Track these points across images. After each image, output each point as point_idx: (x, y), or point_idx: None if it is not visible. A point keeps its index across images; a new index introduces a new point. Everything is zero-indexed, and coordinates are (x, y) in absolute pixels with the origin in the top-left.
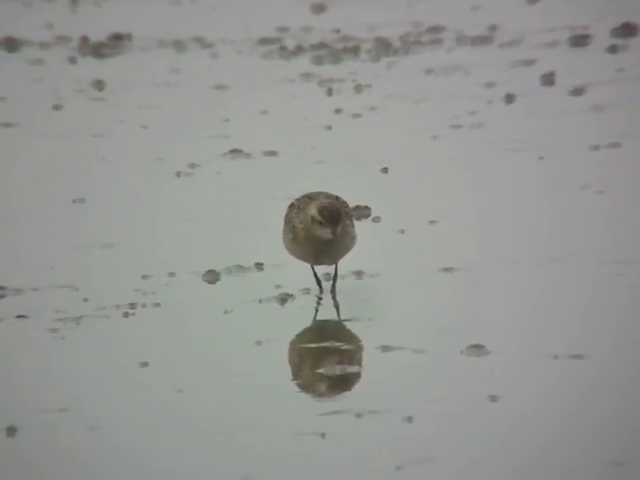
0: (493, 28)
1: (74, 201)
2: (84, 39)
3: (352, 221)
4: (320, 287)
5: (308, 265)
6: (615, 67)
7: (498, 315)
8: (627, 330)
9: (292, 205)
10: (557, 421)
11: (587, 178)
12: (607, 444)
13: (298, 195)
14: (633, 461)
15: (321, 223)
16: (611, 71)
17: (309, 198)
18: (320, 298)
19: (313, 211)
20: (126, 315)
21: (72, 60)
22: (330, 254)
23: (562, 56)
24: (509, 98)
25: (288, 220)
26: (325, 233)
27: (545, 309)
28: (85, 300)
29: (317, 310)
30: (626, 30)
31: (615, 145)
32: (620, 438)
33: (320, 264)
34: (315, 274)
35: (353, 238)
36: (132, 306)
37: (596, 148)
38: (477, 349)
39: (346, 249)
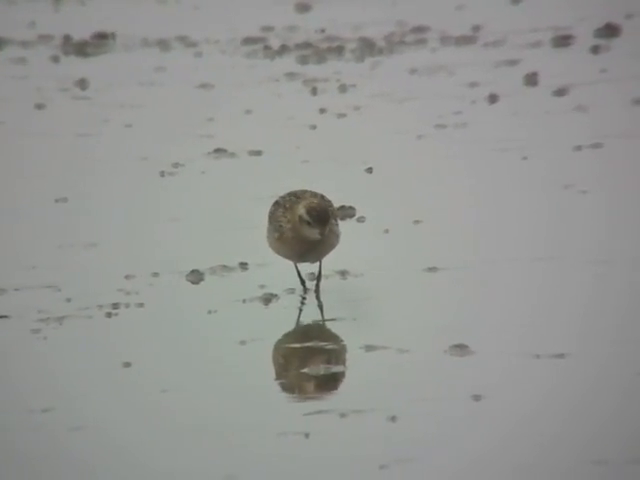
0: (477, 28)
1: (57, 200)
2: (67, 38)
3: (336, 220)
4: (304, 286)
5: (292, 265)
6: (598, 67)
7: (481, 315)
8: (609, 329)
9: (277, 203)
10: (539, 420)
11: (570, 178)
12: (590, 442)
13: (283, 193)
14: (616, 459)
15: (309, 223)
16: (594, 71)
17: (295, 196)
18: (304, 298)
19: (301, 211)
20: (109, 315)
21: (55, 59)
22: (315, 253)
23: (545, 56)
24: (493, 98)
25: (274, 219)
26: (313, 233)
27: (528, 309)
28: (68, 300)
29: (301, 310)
30: (609, 31)
31: (598, 145)
32: (603, 436)
33: (304, 262)
34: (299, 273)
35: (337, 236)
36: (115, 306)
37: (579, 148)
38: (460, 349)
39: (331, 247)
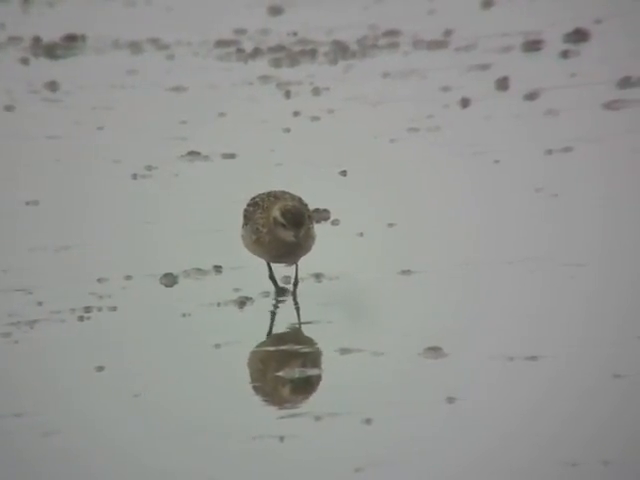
0: (448, 33)
1: (27, 203)
2: (36, 39)
3: (312, 222)
4: (277, 289)
5: (267, 268)
6: (568, 72)
7: (455, 317)
8: (581, 332)
9: (256, 204)
10: (513, 422)
11: (542, 181)
12: (561, 444)
13: (261, 192)
14: (587, 461)
15: (284, 225)
16: (564, 76)
17: (274, 197)
18: (278, 300)
19: (276, 213)
20: (81, 319)
21: (24, 61)
22: (292, 255)
23: (516, 61)
24: (465, 102)
25: (252, 219)
26: (288, 235)
27: (500, 311)
28: (39, 304)
29: (274, 313)
30: (578, 35)
31: (568, 149)
32: (574, 438)
33: (280, 263)
34: (272, 276)
35: (313, 239)
36: (87, 310)
37: (550, 152)
38: (434, 351)
39: (307, 250)
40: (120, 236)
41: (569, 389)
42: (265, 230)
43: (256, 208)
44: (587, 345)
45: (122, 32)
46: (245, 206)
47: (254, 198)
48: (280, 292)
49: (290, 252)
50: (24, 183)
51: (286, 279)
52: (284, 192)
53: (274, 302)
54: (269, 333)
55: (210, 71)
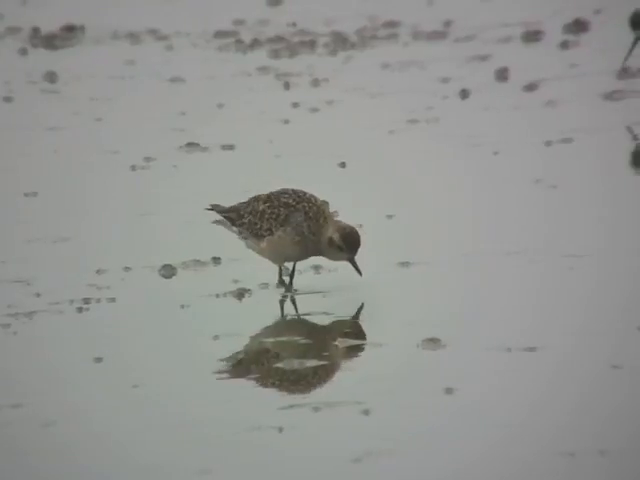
0: (448, 23)
1: (26, 194)
2: (35, 30)
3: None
4: (287, 286)
5: (265, 260)
6: (567, 63)
7: (453, 309)
8: (580, 323)
9: (293, 206)
10: (511, 412)
11: (541, 172)
12: (560, 435)
13: (287, 192)
14: (585, 451)
15: (340, 248)
16: (563, 67)
17: (315, 206)
18: (285, 295)
19: (335, 235)
20: (80, 310)
21: (23, 51)
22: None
23: (515, 52)
24: (464, 93)
25: (295, 222)
26: (340, 257)
27: (499, 302)
28: (38, 295)
29: (283, 303)
30: (578, 26)
31: (567, 140)
32: (572, 429)
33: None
34: (286, 277)
35: None
36: (86, 301)
37: (549, 143)
38: (433, 342)
39: None
40: (119, 227)
41: (567, 380)
42: (312, 237)
43: (296, 212)
44: (585, 336)
45: (121, 23)
46: (265, 206)
47: (282, 198)
48: (289, 288)
49: (313, 255)
50: (23, 174)
51: (285, 271)
52: (314, 196)
53: (279, 294)
54: (268, 324)
55: (209, 62)
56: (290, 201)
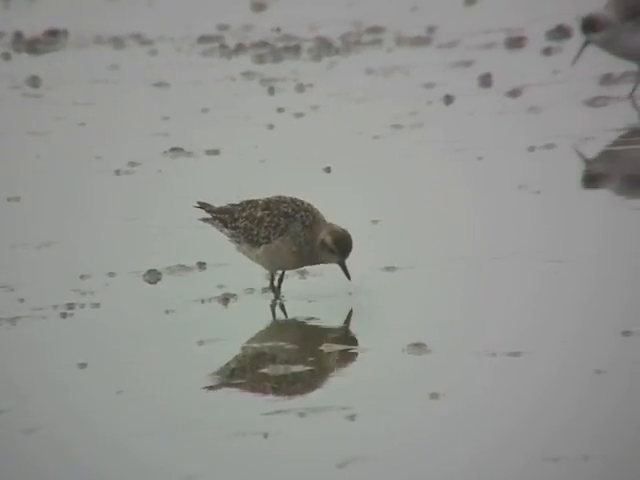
0: (432, 29)
1: (9, 199)
2: (18, 35)
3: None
4: (277, 294)
5: (251, 264)
6: (550, 69)
7: (439, 314)
8: (563, 327)
9: (291, 216)
10: (496, 417)
11: (524, 178)
12: (543, 439)
13: (286, 200)
14: (568, 456)
15: (332, 251)
16: (546, 73)
17: (311, 215)
18: (275, 301)
19: (327, 238)
20: (64, 316)
21: (6, 56)
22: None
23: (499, 58)
24: (448, 99)
25: (293, 232)
26: (331, 259)
27: (483, 307)
28: (21, 300)
29: (273, 307)
30: (560, 32)
31: (551, 146)
32: (557, 433)
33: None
34: (273, 280)
35: None
36: (70, 306)
37: (532, 149)
38: (418, 347)
39: None
40: (103, 232)
41: (552, 385)
42: (308, 247)
43: (294, 221)
44: (569, 341)
45: (104, 27)
46: (264, 213)
47: (281, 207)
48: (277, 294)
49: (308, 264)
50: (5, 179)
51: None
52: (310, 204)
53: (270, 300)
54: (253, 330)
55: (193, 67)
56: (289, 210)
